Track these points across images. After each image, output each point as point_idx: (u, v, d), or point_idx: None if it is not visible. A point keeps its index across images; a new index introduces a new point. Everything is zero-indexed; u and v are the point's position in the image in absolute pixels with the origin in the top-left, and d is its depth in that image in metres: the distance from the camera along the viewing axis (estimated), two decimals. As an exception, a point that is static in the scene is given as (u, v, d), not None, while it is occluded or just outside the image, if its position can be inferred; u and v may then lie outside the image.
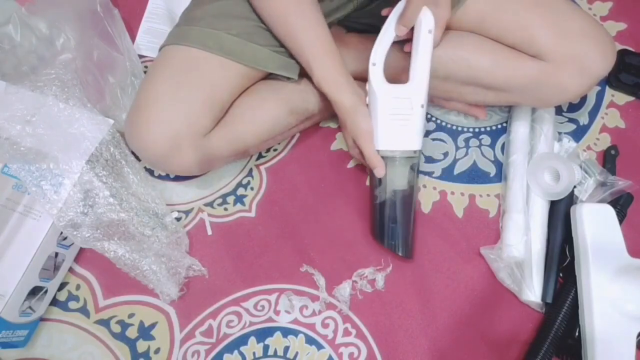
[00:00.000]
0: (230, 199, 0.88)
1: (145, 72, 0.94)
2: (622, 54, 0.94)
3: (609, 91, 0.95)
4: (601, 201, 0.82)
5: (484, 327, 0.75)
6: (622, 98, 0.94)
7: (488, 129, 0.92)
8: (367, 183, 0.87)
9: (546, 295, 0.78)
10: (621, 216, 0.82)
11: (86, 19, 0.91)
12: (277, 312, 0.81)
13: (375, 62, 0.75)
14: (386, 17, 0.76)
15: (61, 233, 0.77)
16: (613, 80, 0.94)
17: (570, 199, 0.83)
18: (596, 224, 0.77)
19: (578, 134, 0.91)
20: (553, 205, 0.83)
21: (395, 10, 0.75)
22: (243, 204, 0.88)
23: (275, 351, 0.79)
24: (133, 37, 0.99)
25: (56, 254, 0.78)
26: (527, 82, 0.78)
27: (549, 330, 0.76)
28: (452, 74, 0.80)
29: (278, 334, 0.80)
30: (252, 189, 0.89)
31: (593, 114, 0.93)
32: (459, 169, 0.90)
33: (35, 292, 0.77)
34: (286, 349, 0.79)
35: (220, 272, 0.83)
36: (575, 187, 0.84)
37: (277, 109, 0.81)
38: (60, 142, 0.79)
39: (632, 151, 0.90)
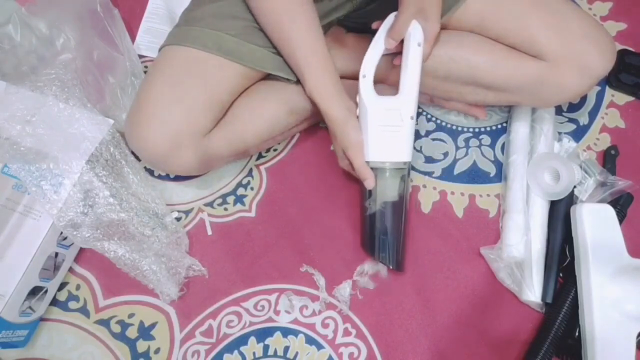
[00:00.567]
0: (230, 199, 0.88)
1: (145, 72, 0.95)
2: (622, 54, 0.94)
3: (609, 91, 0.95)
4: (601, 201, 0.82)
5: (484, 327, 0.75)
6: (622, 98, 0.94)
7: (488, 129, 0.92)
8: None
9: (546, 295, 0.78)
10: (621, 216, 0.82)
11: (86, 19, 0.91)
12: (277, 312, 0.81)
13: (365, 73, 0.74)
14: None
15: (61, 233, 0.77)
16: (613, 80, 0.94)
17: (570, 199, 0.83)
18: (596, 224, 0.77)
19: (578, 134, 0.91)
20: (553, 205, 0.83)
21: (385, 23, 0.75)
22: (243, 204, 0.88)
23: (276, 351, 0.79)
24: (133, 37, 0.99)
25: (56, 254, 0.78)
26: (527, 82, 0.78)
27: (548, 330, 0.76)
28: (452, 73, 0.79)
29: (278, 334, 0.80)
30: (252, 189, 0.89)
31: (593, 114, 0.93)
32: (459, 169, 0.90)
33: (35, 292, 0.77)
34: (286, 349, 0.79)
35: (220, 272, 0.83)
36: (575, 187, 0.84)
37: (277, 109, 0.81)
38: (60, 142, 0.79)
39: (632, 151, 0.90)
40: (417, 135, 0.92)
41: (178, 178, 0.89)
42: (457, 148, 0.91)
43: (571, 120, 0.93)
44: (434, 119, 0.93)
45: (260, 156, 0.91)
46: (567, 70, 0.75)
